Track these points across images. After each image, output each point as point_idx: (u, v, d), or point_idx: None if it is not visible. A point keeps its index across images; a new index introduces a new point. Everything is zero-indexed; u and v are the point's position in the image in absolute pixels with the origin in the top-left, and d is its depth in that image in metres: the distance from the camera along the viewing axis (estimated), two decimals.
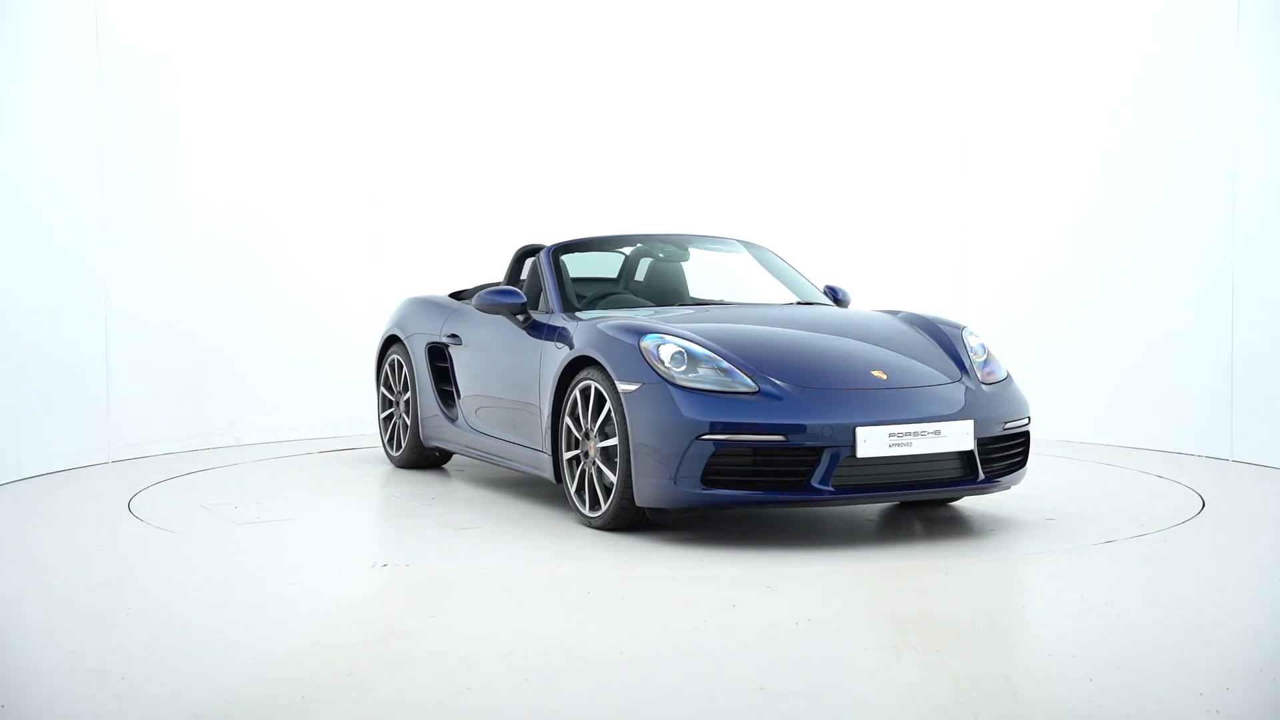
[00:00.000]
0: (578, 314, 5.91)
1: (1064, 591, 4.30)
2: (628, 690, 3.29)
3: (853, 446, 4.86)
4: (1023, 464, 5.44)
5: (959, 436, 5.03)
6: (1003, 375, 5.56)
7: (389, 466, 7.27)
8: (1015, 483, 5.45)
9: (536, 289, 6.29)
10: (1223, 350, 7.39)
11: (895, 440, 4.92)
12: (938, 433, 4.99)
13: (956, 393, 5.22)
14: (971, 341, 5.63)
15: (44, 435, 7.00)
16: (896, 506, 5.84)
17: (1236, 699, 3.16)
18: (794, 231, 9.21)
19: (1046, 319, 8.56)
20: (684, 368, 5.03)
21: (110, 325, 7.49)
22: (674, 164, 9.65)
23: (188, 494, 6.36)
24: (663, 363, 5.04)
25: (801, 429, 4.85)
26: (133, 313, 7.65)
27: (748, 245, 6.90)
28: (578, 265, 6.60)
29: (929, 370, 5.33)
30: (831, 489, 4.87)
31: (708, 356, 5.08)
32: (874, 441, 4.89)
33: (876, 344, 5.50)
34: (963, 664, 3.44)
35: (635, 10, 9.66)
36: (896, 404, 5.03)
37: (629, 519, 5.19)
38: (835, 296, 6.62)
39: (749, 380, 5.01)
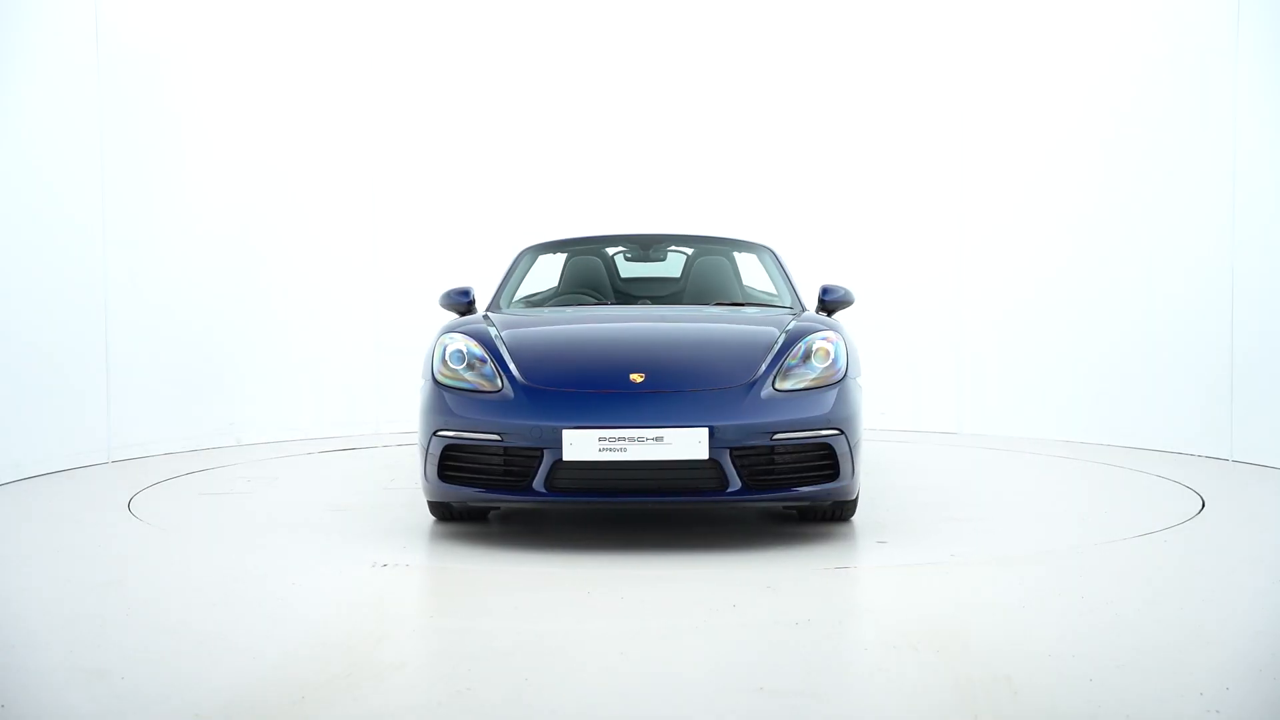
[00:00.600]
0: (500, 310, 6.16)
1: (1064, 591, 4.29)
2: (628, 690, 3.29)
3: (559, 450, 4.81)
4: (827, 479, 4.99)
5: (689, 445, 4.79)
6: (827, 381, 5.08)
7: (389, 466, 7.27)
8: (827, 497, 5.05)
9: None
10: (1223, 350, 7.39)
11: (605, 445, 4.79)
12: (659, 439, 4.78)
13: (709, 400, 4.92)
14: (820, 345, 5.22)
15: (44, 435, 7.00)
16: (904, 510, 5.84)
17: (1236, 699, 3.16)
18: (794, 231, 9.21)
19: (1047, 319, 8.56)
20: (460, 366, 5.18)
21: (110, 325, 7.49)
22: (674, 164, 9.65)
23: (188, 494, 6.36)
24: (443, 361, 5.23)
25: (519, 430, 4.87)
26: (133, 313, 7.65)
27: (747, 246, 6.90)
28: (555, 266, 6.84)
29: (709, 377, 5.03)
30: (544, 491, 4.85)
31: (481, 357, 5.19)
32: (580, 445, 4.79)
33: (684, 349, 5.30)
34: (963, 664, 3.44)
35: (635, 12, 9.66)
36: (627, 408, 4.86)
37: (439, 512, 5.49)
38: (829, 297, 6.29)
39: (498, 381, 5.06)
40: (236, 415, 8.30)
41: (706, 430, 4.80)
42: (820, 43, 9.49)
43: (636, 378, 4.99)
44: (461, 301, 6.23)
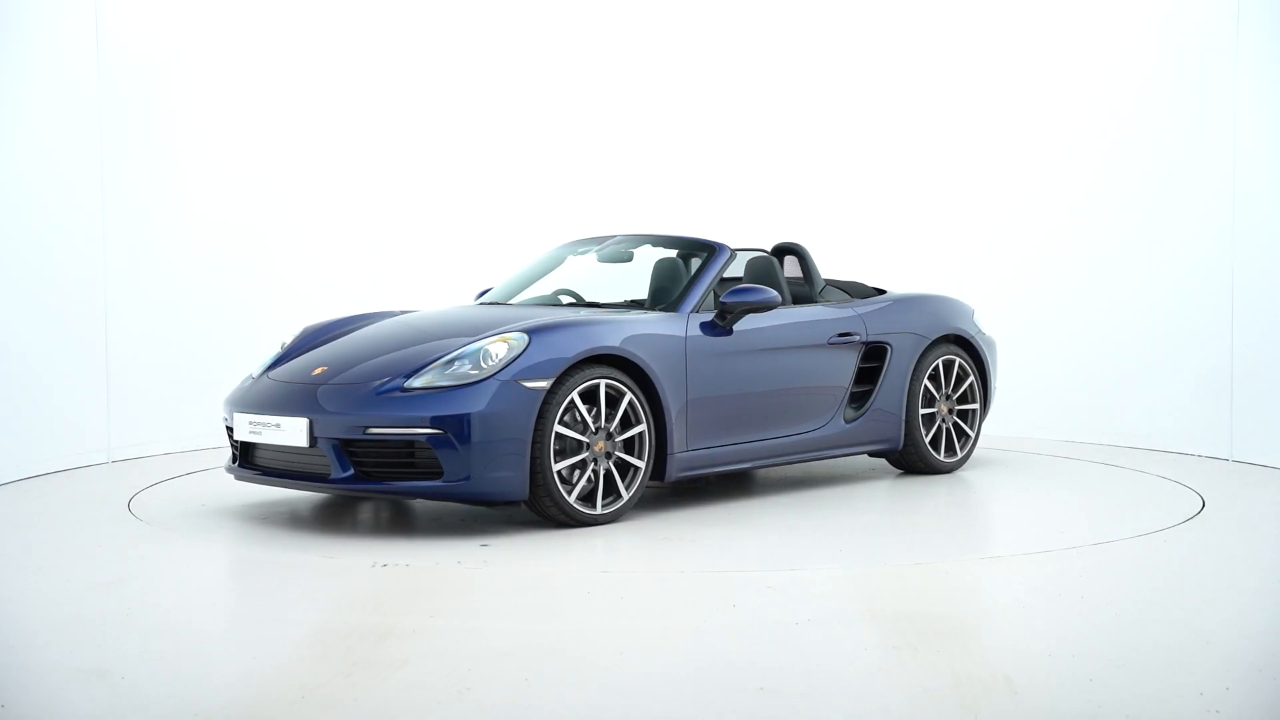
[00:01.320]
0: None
1: (1064, 591, 4.29)
2: (627, 690, 3.29)
3: (232, 431, 5.61)
4: (422, 476, 5.15)
5: (294, 432, 5.29)
6: (455, 382, 5.17)
7: None
8: (413, 494, 5.21)
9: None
10: (1223, 350, 7.39)
11: (253, 429, 5.48)
12: (278, 426, 5.36)
13: (346, 393, 5.31)
14: (494, 346, 5.28)
15: (44, 435, 7.00)
16: (904, 510, 5.84)
17: (1236, 699, 3.16)
18: (794, 229, 9.21)
19: (1047, 318, 8.56)
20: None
21: (110, 325, 7.49)
22: (676, 164, 9.66)
23: (187, 494, 6.36)
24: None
25: (229, 416, 5.69)
26: (132, 313, 7.65)
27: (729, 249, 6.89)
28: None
29: (378, 369, 5.39)
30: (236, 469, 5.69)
31: (276, 355, 6.01)
32: (241, 428, 5.55)
33: (402, 344, 5.62)
34: (963, 664, 3.44)
35: (635, 12, 9.67)
36: (288, 398, 5.44)
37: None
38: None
39: (254, 375, 5.91)
40: None
41: (306, 420, 5.32)
42: (821, 42, 9.50)
43: (319, 371, 5.59)
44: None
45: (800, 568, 4.66)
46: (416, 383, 5.22)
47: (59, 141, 7.22)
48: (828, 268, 8.35)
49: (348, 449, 5.18)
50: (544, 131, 9.55)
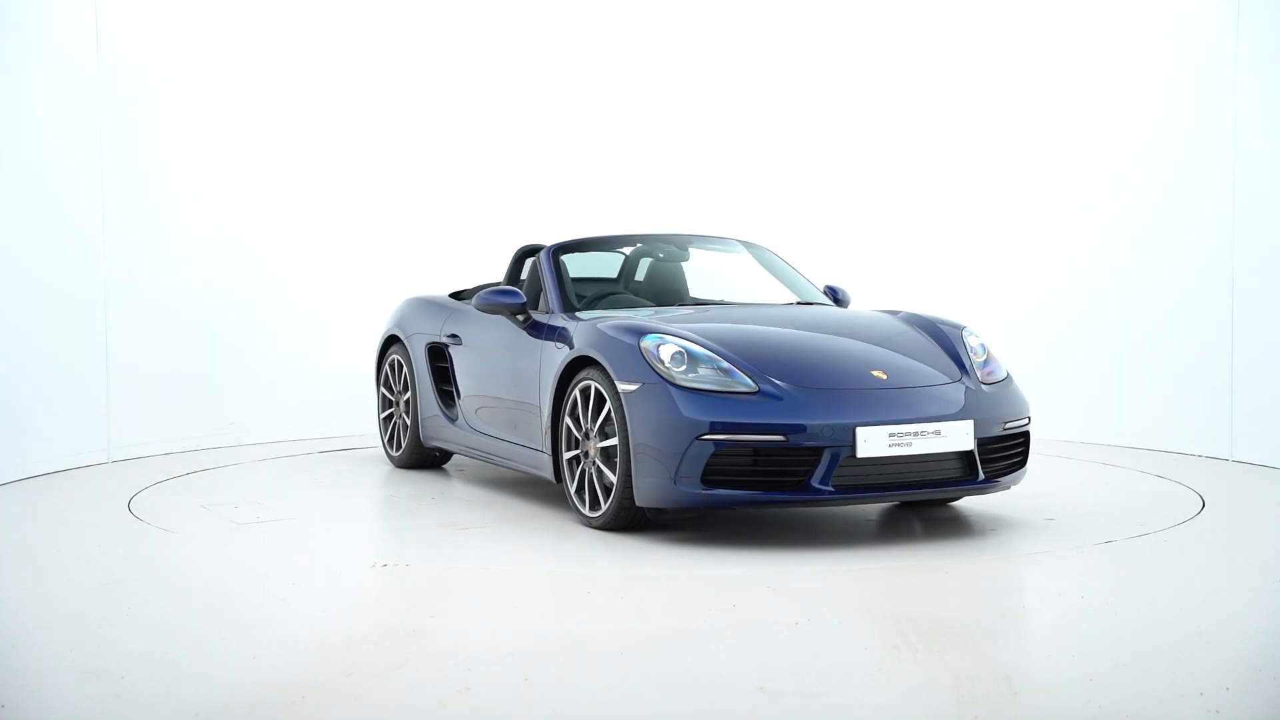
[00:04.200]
0: (577, 314, 5.91)
1: (1064, 591, 4.29)
2: (627, 690, 3.29)
3: (853, 446, 4.86)
4: (1023, 464, 5.44)
5: (959, 436, 5.02)
6: (1002, 375, 5.55)
7: (388, 466, 7.27)
8: (1015, 482, 5.44)
9: (536, 289, 6.28)
10: (1223, 350, 7.39)
11: (895, 440, 4.92)
12: (938, 433, 4.99)
13: (956, 393, 5.22)
14: (971, 341, 5.62)
15: (44, 435, 7.00)
16: (896, 506, 5.84)
17: (1236, 699, 3.16)
18: (794, 231, 9.21)
19: (1047, 319, 8.56)
20: (684, 368, 5.03)
21: (110, 325, 7.48)
22: (674, 164, 9.65)
23: (188, 494, 6.36)
24: (662, 362, 5.04)
25: (802, 429, 4.85)
26: (133, 313, 7.64)
27: (748, 245, 6.89)
28: (577, 265, 6.59)
29: (929, 370, 5.32)
30: (831, 489, 4.87)
31: (708, 356, 5.08)
32: (874, 441, 4.89)
33: (876, 344, 5.49)
34: (963, 664, 3.44)
35: (635, 10, 9.66)
36: (896, 404, 5.03)
37: (628, 519, 5.18)
38: (835, 296, 6.60)
39: (749, 380, 5.01)
40: (236, 415, 8.30)
41: (972, 423, 5.07)
42: (821, 42, 9.49)
43: (880, 374, 5.18)
44: (512, 303, 6.01)
45: (800, 568, 4.66)
46: (982, 379, 5.40)
47: (59, 139, 7.21)
48: (825, 273, 8.36)
49: (983, 447, 5.18)
50: (544, 130, 9.55)
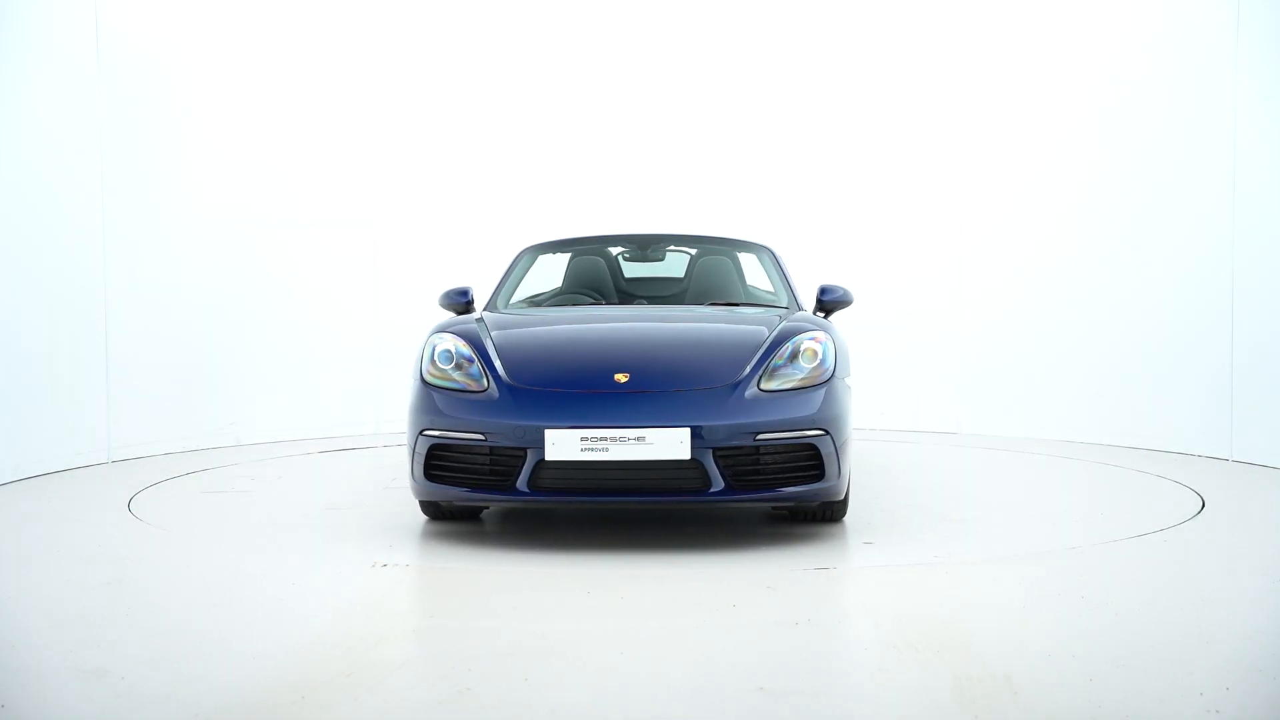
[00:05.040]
0: (498, 310, 6.16)
1: (1064, 591, 4.29)
2: (627, 690, 3.29)
3: (542, 450, 4.82)
4: (813, 479, 4.97)
5: (670, 445, 4.78)
6: (814, 381, 5.05)
7: (388, 466, 7.27)
8: (809, 498, 5.02)
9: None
10: (1223, 350, 7.39)
11: (588, 445, 4.78)
12: (641, 439, 4.78)
13: (693, 400, 4.89)
14: (808, 345, 5.20)
15: (44, 435, 7.00)
16: (898, 507, 5.84)
17: (1236, 699, 3.16)
18: (794, 231, 9.21)
19: (1047, 319, 8.56)
20: (449, 366, 5.18)
21: (110, 325, 7.49)
22: (674, 164, 9.66)
23: (188, 494, 6.36)
24: (431, 361, 5.24)
25: (503, 430, 4.87)
26: (132, 313, 7.65)
27: (747, 246, 6.89)
28: (563, 265, 6.81)
29: (694, 377, 5.00)
30: (527, 490, 4.85)
31: (469, 356, 5.20)
32: (563, 445, 4.79)
33: (671, 350, 5.29)
34: (963, 664, 3.44)
35: (636, 12, 9.66)
36: (610, 408, 4.86)
37: (431, 511, 5.52)
38: (824, 297, 6.29)
39: (485, 380, 5.07)
40: (236, 415, 8.30)
41: (689, 430, 4.78)
42: (820, 42, 9.49)
43: (621, 378, 4.98)
44: (460, 301, 6.25)
45: (800, 568, 4.66)
46: (770, 385, 5.00)
47: (59, 139, 7.22)
48: (827, 270, 8.36)
49: (723, 458, 4.84)
50: (544, 130, 9.55)
